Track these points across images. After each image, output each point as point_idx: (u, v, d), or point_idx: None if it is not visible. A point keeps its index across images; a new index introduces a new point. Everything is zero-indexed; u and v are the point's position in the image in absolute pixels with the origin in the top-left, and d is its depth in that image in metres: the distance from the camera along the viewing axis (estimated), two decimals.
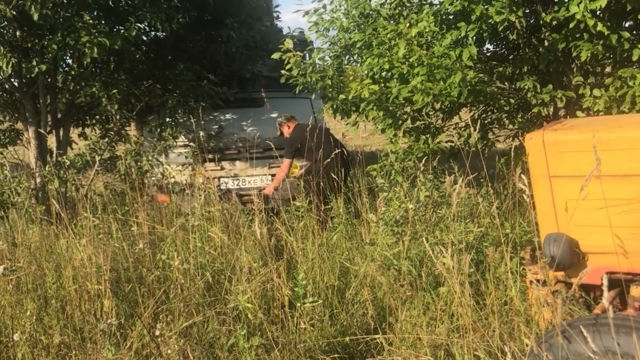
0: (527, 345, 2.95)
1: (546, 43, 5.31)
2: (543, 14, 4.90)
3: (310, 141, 5.99)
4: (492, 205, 3.64)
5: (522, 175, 2.85)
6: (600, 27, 4.39)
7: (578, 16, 4.41)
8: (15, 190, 5.89)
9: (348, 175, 6.14)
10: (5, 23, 6.39)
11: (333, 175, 5.57)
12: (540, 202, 3.07)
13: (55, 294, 4.13)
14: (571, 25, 4.58)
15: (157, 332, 3.31)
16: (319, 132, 6.20)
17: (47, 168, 6.28)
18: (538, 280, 2.72)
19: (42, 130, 6.68)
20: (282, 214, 5.55)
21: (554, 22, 4.92)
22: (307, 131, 5.96)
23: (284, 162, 6.53)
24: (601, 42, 4.59)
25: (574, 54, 4.80)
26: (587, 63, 5.30)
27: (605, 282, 1.78)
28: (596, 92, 4.79)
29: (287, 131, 6.61)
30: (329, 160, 5.85)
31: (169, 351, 3.25)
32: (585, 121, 3.83)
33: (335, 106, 5.77)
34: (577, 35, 4.74)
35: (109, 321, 3.44)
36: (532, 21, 5.44)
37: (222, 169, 7.27)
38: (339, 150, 6.04)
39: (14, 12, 5.64)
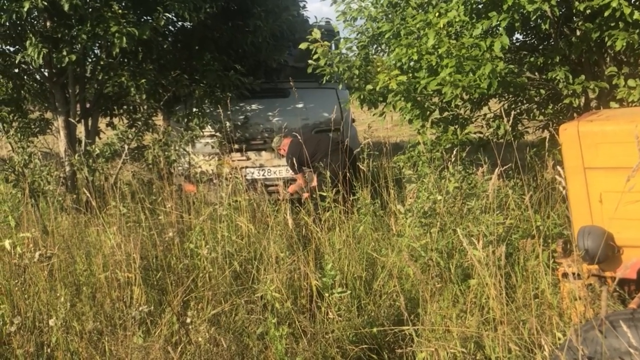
0: (559, 339, 2.92)
1: (578, 32, 5.21)
2: (576, 3, 4.80)
3: (305, 152, 5.96)
4: (524, 198, 3.59)
5: (558, 167, 2.80)
6: (637, 15, 4.29)
7: (614, 4, 4.31)
8: (46, 178, 5.98)
9: (356, 168, 6.08)
10: (36, 13, 6.48)
11: (337, 169, 5.76)
12: (573, 194, 3.03)
13: (86, 281, 4.19)
14: (606, 14, 4.48)
15: (188, 320, 3.35)
16: (312, 139, 6.42)
17: (76, 157, 6.36)
18: (573, 274, 2.68)
19: (71, 120, 6.77)
20: (307, 204, 5.56)
21: (588, 11, 4.81)
22: (302, 143, 5.94)
23: (297, 177, 6.69)
24: (637, 31, 4.49)
25: (608, 43, 4.69)
26: (621, 53, 5.19)
27: None
28: (631, 82, 4.69)
29: (284, 152, 6.70)
30: (329, 160, 6.05)
31: (199, 338, 3.28)
32: (620, 112, 3.76)
33: (362, 97, 5.74)
34: (612, 25, 4.64)
35: (140, 308, 3.48)
36: (564, 10, 5.33)
37: (248, 159, 7.30)
38: (340, 146, 6.13)
39: (45, 3, 5.70)
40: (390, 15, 5.92)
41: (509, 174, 4.63)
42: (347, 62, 5.78)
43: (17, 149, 6.31)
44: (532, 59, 5.51)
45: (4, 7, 5.81)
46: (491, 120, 5.94)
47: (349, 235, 4.64)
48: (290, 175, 7.00)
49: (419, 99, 5.40)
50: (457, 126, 5.57)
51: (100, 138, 7.67)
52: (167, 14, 6.43)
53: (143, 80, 6.52)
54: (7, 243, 4.02)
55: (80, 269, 4.32)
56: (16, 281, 3.99)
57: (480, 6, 5.21)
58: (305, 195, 6.26)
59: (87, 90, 7.02)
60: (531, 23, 5.55)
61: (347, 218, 5.07)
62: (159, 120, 8.18)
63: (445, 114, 5.66)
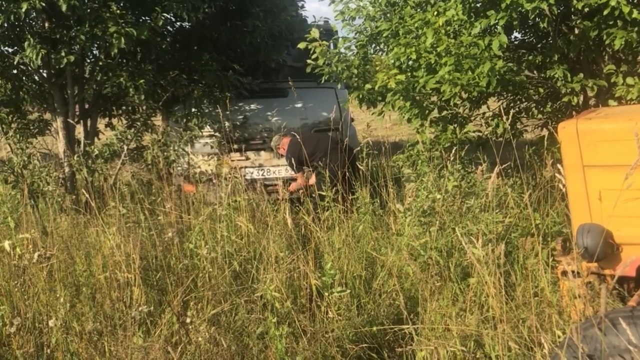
0: (559, 337, 2.92)
1: (577, 31, 5.21)
2: (575, 1, 4.79)
3: (304, 151, 5.95)
4: (524, 196, 3.59)
5: (557, 165, 2.80)
6: (635, 14, 4.30)
7: (612, 3, 4.32)
8: (45, 179, 5.98)
9: (355, 167, 6.08)
10: (34, 14, 6.48)
11: (336, 168, 5.80)
12: (573, 192, 3.03)
13: (85, 282, 4.19)
14: (605, 13, 4.48)
15: (188, 320, 3.34)
16: (311, 139, 6.44)
17: (75, 158, 6.36)
18: (573, 271, 2.68)
19: (70, 121, 6.77)
20: (307, 203, 5.56)
21: (586, 9, 4.81)
22: (301, 142, 5.92)
23: (297, 176, 6.70)
24: (635, 29, 4.49)
25: (607, 41, 4.70)
26: (620, 51, 5.19)
27: None
28: (629, 80, 4.70)
29: (283, 152, 6.69)
30: (328, 159, 6.05)
31: (199, 338, 3.28)
32: (619, 110, 3.77)
33: (361, 96, 5.74)
34: (610, 23, 4.64)
35: (140, 308, 3.48)
36: (562, 8, 5.33)
37: (247, 159, 7.30)
38: (339, 145, 6.11)
39: (43, 4, 5.69)
40: (388, 15, 5.93)
41: (508, 172, 4.63)
42: (346, 62, 5.78)
43: (16, 150, 6.30)
44: (530, 58, 5.51)
45: (2, 8, 5.80)
46: (490, 119, 5.94)
47: (349, 234, 4.64)
48: (290, 175, 7.01)
49: (417, 98, 5.40)
50: (456, 125, 5.57)
51: (99, 139, 7.67)
52: (165, 14, 6.42)
53: (142, 81, 6.52)
54: (6, 244, 4.02)
55: (80, 269, 4.32)
56: (16, 282, 3.99)
57: (478, 5, 5.21)
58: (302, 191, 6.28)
59: (85, 91, 7.01)
60: (529, 21, 5.56)
61: (346, 217, 5.07)
62: (158, 120, 8.17)
63: (444, 112, 5.67)
